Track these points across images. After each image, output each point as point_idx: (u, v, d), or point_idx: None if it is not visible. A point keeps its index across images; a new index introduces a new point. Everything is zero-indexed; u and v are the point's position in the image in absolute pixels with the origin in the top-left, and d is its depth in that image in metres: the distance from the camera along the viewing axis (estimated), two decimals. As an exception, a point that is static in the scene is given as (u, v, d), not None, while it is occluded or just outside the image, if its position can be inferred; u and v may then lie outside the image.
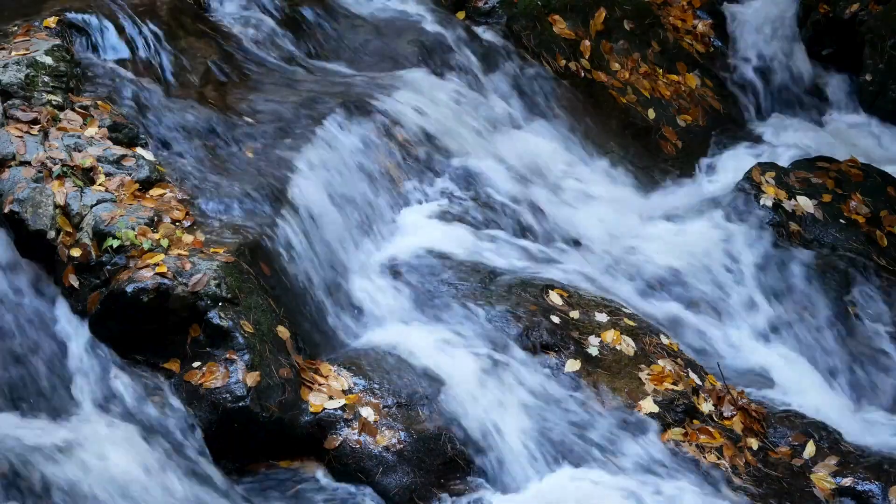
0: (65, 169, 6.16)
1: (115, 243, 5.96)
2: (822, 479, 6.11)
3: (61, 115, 6.45)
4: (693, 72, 8.79)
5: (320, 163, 6.91)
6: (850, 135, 8.64)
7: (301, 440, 5.86)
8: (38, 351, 5.83)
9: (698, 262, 7.25)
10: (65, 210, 6.04)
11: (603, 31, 8.63)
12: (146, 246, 5.96)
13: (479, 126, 7.79)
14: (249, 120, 7.11)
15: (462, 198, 7.25)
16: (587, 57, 8.47)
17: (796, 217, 7.40)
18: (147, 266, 5.88)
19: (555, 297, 6.59)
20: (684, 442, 6.12)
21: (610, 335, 6.45)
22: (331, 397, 5.93)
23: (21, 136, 6.23)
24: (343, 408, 5.91)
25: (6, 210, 6.01)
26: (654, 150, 8.31)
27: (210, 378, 5.78)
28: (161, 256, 5.93)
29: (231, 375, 5.78)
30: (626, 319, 6.58)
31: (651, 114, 8.42)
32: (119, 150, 6.39)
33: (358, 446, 5.83)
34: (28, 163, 6.13)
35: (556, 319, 6.47)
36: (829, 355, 6.92)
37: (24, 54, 6.59)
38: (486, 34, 8.43)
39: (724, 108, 8.75)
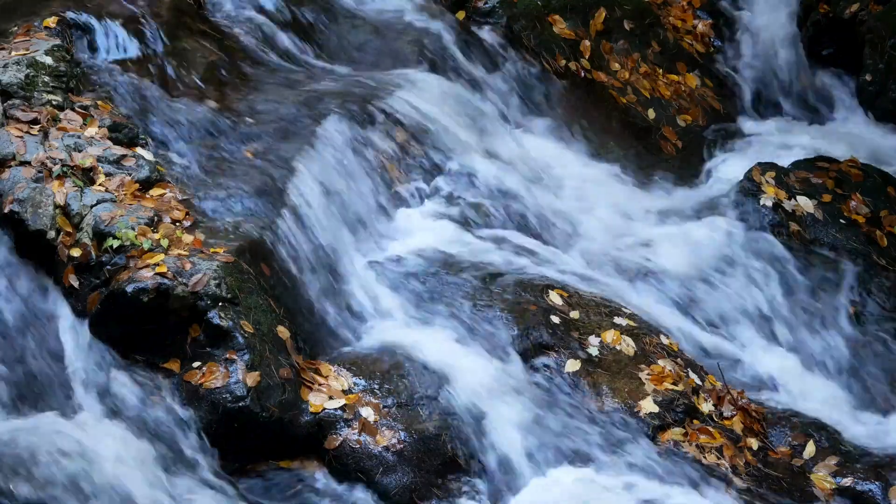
0: (65, 169, 6.16)
1: (115, 243, 5.96)
2: (822, 478, 6.11)
3: (61, 115, 6.45)
4: (693, 72, 8.78)
5: (320, 163, 6.90)
6: (849, 135, 8.62)
7: (301, 440, 5.86)
8: (37, 351, 5.83)
9: (698, 262, 7.24)
10: (65, 210, 6.04)
11: (603, 31, 8.62)
12: (146, 246, 5.96)
13: (478, 126, 7.79)
14: (249, 120, 7.11)
15: (462, 197, 7.25)
16: (587, 57, 8.46)
17: (796, 217, 7.40)
18: (147, 266, 5.88)
19: (555, 297, 6.59)
20: (684, 442, 6.12)
21: (610, 335, 6.45)
22: (331, 397, 5.93)
23: (21, 136, 6.22)
24: (343, 408, 5.91)
25: (6, 210, 6.00)
26: (654, 150, 8.31)
27: (210, 378, 5.78)
28: (161, 256, 5.93)
29: (231, 375, 5.78)
30: (626, 319, 6.58)
31: (651, 114, 8.41)
32: (119, 150, 6.39)
33: (358, 446, 5.83)
34: (28, 163, 6.13)
35: (556, 319, 6.47)
36: (829, 355, 6.92)
37: (24, 54, 6.59)
38: (485, 34, 8.43)
39: (724, 108, 8.74)
